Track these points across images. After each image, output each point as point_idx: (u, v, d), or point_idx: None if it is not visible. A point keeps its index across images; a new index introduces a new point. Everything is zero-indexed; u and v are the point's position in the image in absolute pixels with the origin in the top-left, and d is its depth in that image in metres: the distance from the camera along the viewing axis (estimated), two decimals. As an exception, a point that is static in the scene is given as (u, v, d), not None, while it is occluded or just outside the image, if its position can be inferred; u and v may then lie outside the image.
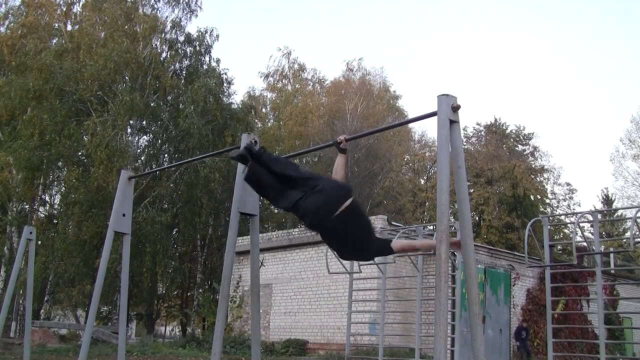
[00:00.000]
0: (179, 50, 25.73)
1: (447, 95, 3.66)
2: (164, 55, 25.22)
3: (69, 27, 26.38)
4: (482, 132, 39.71)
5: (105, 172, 21.06)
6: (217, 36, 26.25)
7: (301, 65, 36.43)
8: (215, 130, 23.76)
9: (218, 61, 26.47)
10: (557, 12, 68.36)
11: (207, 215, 24.97)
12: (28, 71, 22.12)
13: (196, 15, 26.36)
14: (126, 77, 23.52)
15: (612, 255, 13.37)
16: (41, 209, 26.94)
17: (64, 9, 26.55)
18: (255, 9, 66.33)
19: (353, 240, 4.27)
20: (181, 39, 25.69)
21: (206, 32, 26.00)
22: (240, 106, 26.99)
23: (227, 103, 25.98)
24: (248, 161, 4.43)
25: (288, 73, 36.33)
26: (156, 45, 24.65)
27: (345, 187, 4.35)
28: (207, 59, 26.40)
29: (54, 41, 26.13)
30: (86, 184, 21.25)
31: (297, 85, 36.30)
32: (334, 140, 4.68)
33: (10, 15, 26.65)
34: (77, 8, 26.84)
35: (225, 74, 26.94)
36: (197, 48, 25.92)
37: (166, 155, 25.68)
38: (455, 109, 3.64)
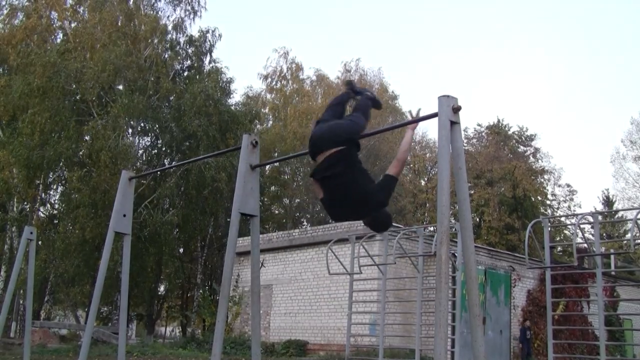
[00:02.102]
0: (181, 51, 25.68)
1: (448, 96, 3.66)
2: (165, 56, 25.16)
3: (73, 25, 26.33)
4: (483, 133, 39.71)
5: (111, 175, 20.95)
6: (220, 36, 26.09)
7: (299, 64, 36.39)
8: (218, 132, 23.72)
9: (219, 70, 26.34)
10: (559, 13, 68.40)
11: (212, 216, 24.98)
12: (31, 67, 22.06)
13: (200, 16, 26.29)
14: (126, 79, 23.49)
15: (612, 256, 13.36)
16: (42, 208, 26.93)
17: (70, 7, 26.51)
18: (253, 8, 66.37)
19: (349, 182, 4.00)
20: (182, 40, 25.65)
21: (207, 32, 25.94)
22: (240, 109, 26.87)
23: (228, 105, 25.87)
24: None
25: (286, 73, 36.26)
26: (156, 46, 24.58)
27: (356, 129, 4.31)
28: (207, 60, 26.34)
29: (58, 39, 26.11)
30: (89, 185, 21.22)
31: (294, 86, 36.22)
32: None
33: (11, 10, 26.57)
34: (82, 8, 26.82)
35: (230, 80, 26.86)
36: (199, 49, 25.84)
37: (168, 157, 25.64)
38: (456, 110, 3.64)
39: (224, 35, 62.43)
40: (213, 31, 25.88)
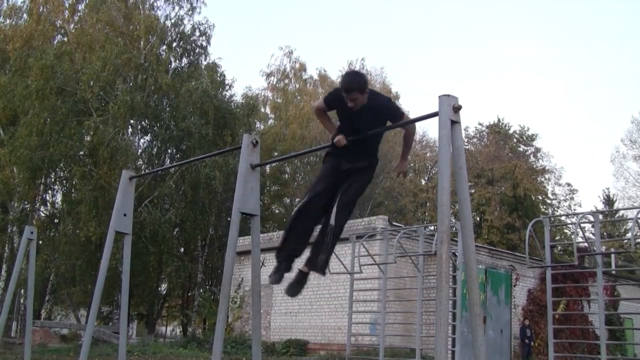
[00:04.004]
0: (178, 49, 25.63)
1: (449, 95, 3.65)
2: (163, 54, 25.12)
3: (72, 26, 26.31)
4: (484, 132, 39.74)
5: (108, 171, 20.99)
6: (213, 26, 25.94)
7: (302, 64, 36.32)
8: (215, 129, 23.70)
9: (215, 65, 26.26)
10: (560, 12, 68.37)
11: (211, 215, 24.96)
12: (29, 70, 22.13)
13: (199, 12, 26.18)
14: (125, 78, 23.47)
15: (613, 255, 13.32)
16: (42, 208, 26.94)
17: (68, 6, 26.48)
18: (256, 7, 66.35)
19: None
20: (177, 35, 25.58)
21: (200, 24, 25.79)
22: (239, 106, 26.84)
23: (225, 102, 25.82)
24: None
25: (289, 72, 36.19)
26: (153, 43, 24.50)
27: None
28: (204, 56, 26.30)
29: (57, 39, 26.10)
30: (90, 182, 21.26)
31: (297, 85, 36.17)
32: (334, 143, 4.46)
33: (9, 10, 26.57)
34: (81, 7, 26.81)
35: (223, 73, 26.84)
36: (194, 44, 25.73)
37: (168, 156, 25.64)
38: (457, 109, 3.63)
39: (226, 35, 62.64)
40: (204, 23, 25.86)
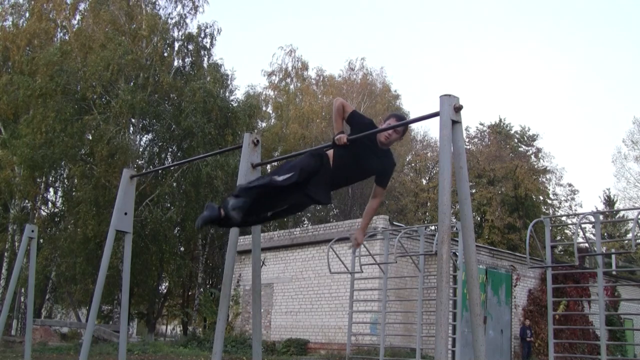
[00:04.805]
0: (182, 48, 25.62)
1: (450, 95, 3.65)
2: (165, 53, 25.11)
3: (75, 27, 26.30)
4: (486, 132, 39.73)
5: (107, 169, 21.01)
6: (219, 30, 25.98)
7: (304, 63, 36.25)
8: (216, 128, 23.71)
9: (217, 65, 26.25)
10: (562, 13, 68.30)
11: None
12: (34, 67, 22.09)
13: (202, 12, 26.19)
14: (128, 77, 23.47)
15: (613, 256, 13.32)
16: (43, 207, 26.95)
17: (70, 4, 26.46)
18: (258, 6, 66.34)
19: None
20: (182, 36, 25.59)
21: (206, 27, 25.81)
22: (241, 105, 26.83)
23: (228, 101, 25.84)
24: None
25: (291, 72, 36.12)
26: (156, 43, 24.49)
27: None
28: (207, 57, 26.28)
29: (59, 37, 26.11)
30: (91, 181, 21.28)
31: (298, 84, 36.12)
32: (334, 140, 4.40)
33: (12, 8, 26.58)
34: (83, 6, 26.80)
35: (226, 73, 26.82)
36: (199, 45, 25.75)
37: (169, 154, 25.63)
38: (458, 109, 3.63)
39: (228, 35, 62.70)
40: (212, 25, 25.84)
